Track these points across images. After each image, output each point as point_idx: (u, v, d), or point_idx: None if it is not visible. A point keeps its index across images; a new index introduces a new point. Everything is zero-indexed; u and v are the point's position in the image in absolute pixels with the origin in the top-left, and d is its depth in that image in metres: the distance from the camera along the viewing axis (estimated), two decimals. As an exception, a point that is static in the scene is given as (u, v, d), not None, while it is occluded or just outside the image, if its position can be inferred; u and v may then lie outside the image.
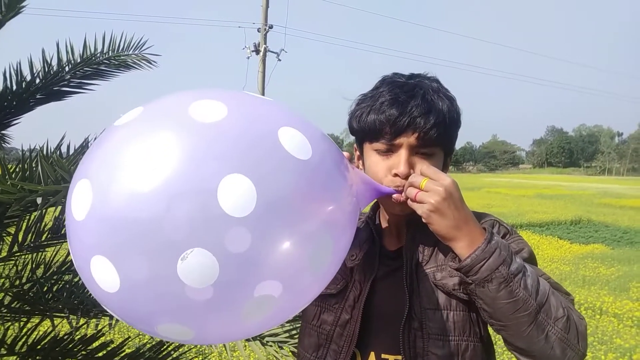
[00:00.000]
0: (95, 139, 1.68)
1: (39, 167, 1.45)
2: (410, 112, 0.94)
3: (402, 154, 0.96)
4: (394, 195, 0.95)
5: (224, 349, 4.14)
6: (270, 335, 1.92)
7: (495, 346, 1.08)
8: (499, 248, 0.86)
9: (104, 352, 1.86)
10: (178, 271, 0.62)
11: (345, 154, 0.88)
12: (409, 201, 0.91)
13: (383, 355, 1.00)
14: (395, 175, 0.96)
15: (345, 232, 0.80)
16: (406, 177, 0.94)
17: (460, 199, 0.89)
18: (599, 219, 15.01)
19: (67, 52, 2.23)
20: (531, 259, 0.98)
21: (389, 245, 1.09)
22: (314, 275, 0.74)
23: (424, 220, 0.89)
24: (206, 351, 4.06)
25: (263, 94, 18.24)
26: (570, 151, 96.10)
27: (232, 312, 0.68)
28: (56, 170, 1.35)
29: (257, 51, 18.80)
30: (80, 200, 0.68)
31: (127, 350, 1.91)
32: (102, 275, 0.67)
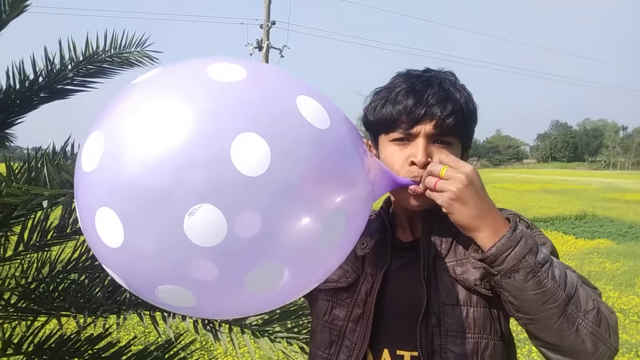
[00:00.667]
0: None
1: (45, 169, 1.44)
2: (427, 101, 0.93)
3: (420, 142, 0.94)
4: (411, 187, 0.92)
5: (230, 344, 4.16)
6: (278, 332, 1.91)
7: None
8: (525, 237, 0.83)
9: (111, 351, 1.86)
10: (184, 226, 0.60)
11: (364, 140, 0.86)
12: (427, 191, 0.88)
13: (398, 352, 0.96)
14: (412, 164, 0.93)
15: (359, 215, 0.78)
16: (424, 166, 0.92)
17: (482, 187, 0.86)
18: (604, 214, 14.93)
19: (69, 50, 2.22)
20: (554, 254, 0.94)
21: (402, 236, 1.06)
22: (323, 252, 0.72)
23: (444, 209, 0.86)
24: (211, 347, 4.07)
25: (266, 90, 18.20)
26: (574, 145, 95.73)
27: (237, 279, 0.66)
28: (62, 173, 1.34)
29: (259, 47, 18.77)
30: (92, 151, 0.66)
31: (134, 350, 1.91)
32: (106, 229, 0.65)
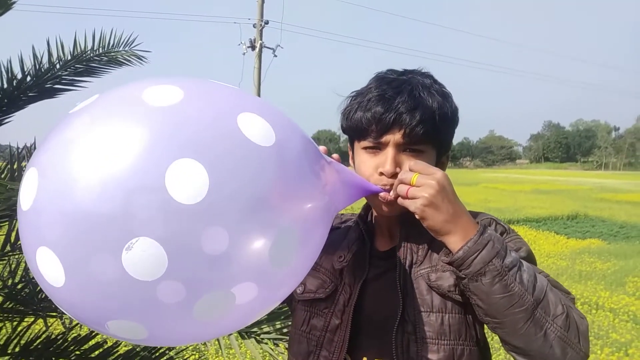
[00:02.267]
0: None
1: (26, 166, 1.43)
2: (396, 109, 0.92)
3: (389, 152, 0.94)
4: (381, 194, 0.93)
5: (219, 347, 4.14)
6: (266, 333, 1.91)
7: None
8: (492, 240, 0.83)
9: (98, 352, 1.85)
10: (123, 262, 0.58)
11: (322, 148, 0.86)
12: (399, 199, 0.88)
13: None
14: (381, 174, 0.94)
15: (314, 230, 0.76)
16: (392, 176, 0.92)
17: (453, 192, 0.86)
18: (595, 214, 15.04)
19: (57, 49, 2.21)
20: (529, 258, 0.94)
21: (379, 245, 1.06)
22: (278, 272, 0.70)
23: (417, 216, 0.86)
24: (202, 348, 4.05)
25: (259, 89, 18.20)
26: (567, 146, 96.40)
27: (184, 309, 0.63)
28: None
29: (252, 47, 18.72)
30: (27, 189, 0.65)
31: (122, 350, 1.90)
32: (47, 268, 0.63)
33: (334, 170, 0.84)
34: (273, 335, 1.90)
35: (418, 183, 0.85)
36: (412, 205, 0.85)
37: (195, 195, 0.59)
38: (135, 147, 0.60)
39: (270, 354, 1.88)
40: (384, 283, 0.99)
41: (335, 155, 0.88)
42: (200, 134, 0.63)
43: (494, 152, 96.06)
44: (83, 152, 0.61)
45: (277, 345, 1.87)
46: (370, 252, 1.04)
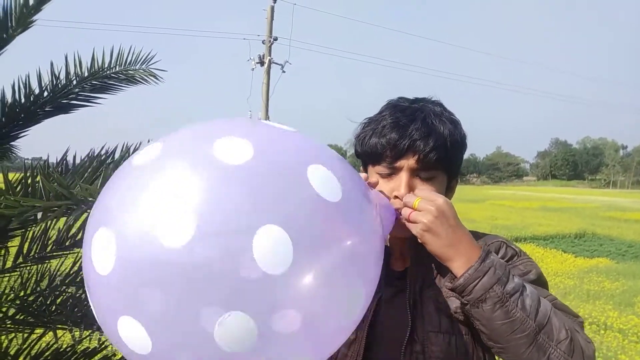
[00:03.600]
0: (103, 154, 1.69)
1: (41, 184, 1.47)
2: (411, 135, 0.96)
3: (403, 176, 0.98)
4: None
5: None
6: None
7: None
8: (494, 267, 0.85)
9: (107, 364, 1.87)
10: (215, 337, 0.58)
11: (363, 175, 0.89)
12: (405, 222, 0.92)
13: None
14: (396, 197, 0.97)
15: (375, 278, 0.76)
16: (403, 198, 0.95)
17: (455, 218, 0.88)
18: (603, 232, 14.91)
19: (75, 65, 2.26)
20: (538, 281, 0.96)
21: (395, 265, 1.09)
22: (345, 322, 0.70)
23: (419, 240, 0.89)
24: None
25: (267, 105, 18.34)
26: (574, 164, 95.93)
27: None
28: (55, 185, 1.37)
29: (261, 63, 18.94)
30: (103, 252, 0.62)
31: (129, 363, 1.91)
32: (131, 337, 0.61)
33: (375, 194, 0.85)
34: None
35: (419, 207, 0.88)
36: (413, 229, 0.89)
37: (282, 263, 0.58)
38: (218, 213, 0.58)
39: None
40: (396, 302, 1.02)
41: (363, 175, 0.90)
42: (278, 198, 0.61)
43: (500, 169, 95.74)
44: (166, 216, 0.58)
45: None
46: (386, 271, 1.05)
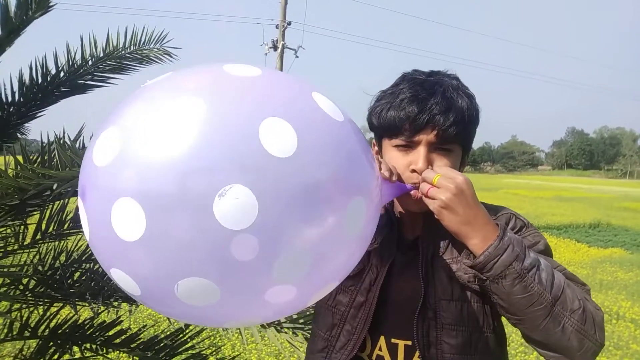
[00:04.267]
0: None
1: (57, 155, 1.50)
2: (430, 110, 0.95)
3: (421, 150, 0.97)
4: (412, 192, 0.96)
5: (237, 341, 4.20)
6: (286, 322, 1.95)
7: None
8: (512, 244, 0.87)
9: (122, 338, 1.92)
10: (214, 208, 0.59)
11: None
12: (423, 197, 0.92)
13: (393, 340, 1.02)
14: (413, 171, 0.97)
15: (374, 214, 0.79)
16: (422, 173, 0.95)
17: (473, 197, 0.89)
18: (618, 223, 14.71)
19: (90, 46, 2.29)
20: (546, 252, 0.99)
21: (407, 234, 1.10)
22: (349, 239, 0.73)
23: (435, 216, 0.91)
24: (219, 343, 4.12)
25: (280, 90, 18.29)
26: (590, 153, 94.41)
27: (263, 266, 0.64)
28: (72, 157, 1.40)
29: (275, 48, 18.88)
30: (106, 146, 0.66)
31: (145, 337, 1.96)
32: (124, 220, 0.62)
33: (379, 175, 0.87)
34: (291, 325, 1.94)
35: (438, 184, 0.89)
36: (431, 205, 0.90)
37: (286, 149, 0.62)
38: (228, 106, 0.64)
39: (289, 342, 1.92)
40: (408, 269, 1.03)
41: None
42: (285, 100, 0.68)
43: (515, 158, 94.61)
44: (174, 110, 0.63)
45: (295, 334, 1.91)
46: (398, 239, 1.08)
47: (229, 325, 0.83)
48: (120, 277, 0.69)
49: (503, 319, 1.01)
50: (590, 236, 12.56)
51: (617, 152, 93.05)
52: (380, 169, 0.86)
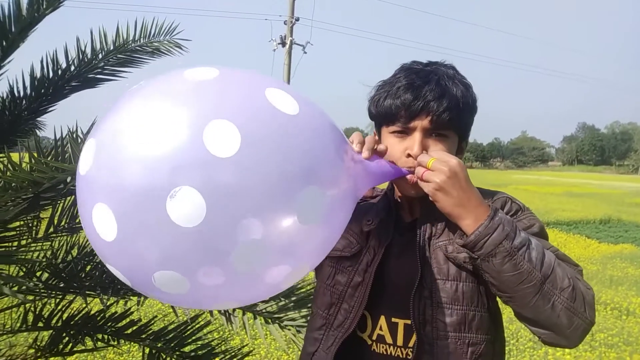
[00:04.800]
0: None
1: (70, 149, 1.52)
2: (425, 97, 0.99)
3: (416, 136, 1.01)
4: (408, 176, 1.00)
5: (245, 335, 4.23)
6: (290, 320, 1.97)
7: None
8: (502, 224, 0.91)
9: (132, 329, 1.95)
10: (167, 209, 0.65)
11: (361, 137, 0.93)
12: (417, 180, 0.96)
13: (393, 319, 1.05)
14: (409, 156, 1.00)
15: (340, 198, 0.82)
16: (417, 158, 0.98)
17: (466, 179, 0.93)
18: (629, 219, 14.55)
19: (100, 39, 2.31)
20: (541, 234, 1.02)
21: (405, 217, 1.13)
22: (301, 231, 0.75)
23: (430, 198, 0.94)
24: (227, 336, 4.15)
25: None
26: (602, 149, 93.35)
27: (223, 258, 0.70)
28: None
29: (283, 43, 18.86)
30: (86, 156, 0.74)
31: (154, 328, 1.99)
32: (101, 224, 0.71)
33: (358, 158, 0.90)
34: (295, 322, 1.96)
35: (432, 167, 0.93)
36: (426, 188, 0.94)
37: (229, 149, 0.67)
38: (175, 111, 0.69)
39: (293, 340, 1.94)
40: (406, 251, 1.06)
41: (363, 137, 0.94)
42: (232, 100, 0.72)
43: (525, 154, 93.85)
44: (131, 122, 0.71)
45: (299, 332, 1.93)
46: (395, 221, 1.11)
47: (212, 308, 0.93)
48: (113, 270, 0.79)
49: (498, 299, 1.04)
50: (600, 232, 12.46)
51: (629, 148, 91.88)
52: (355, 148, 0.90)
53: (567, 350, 4.39)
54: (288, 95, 0.78)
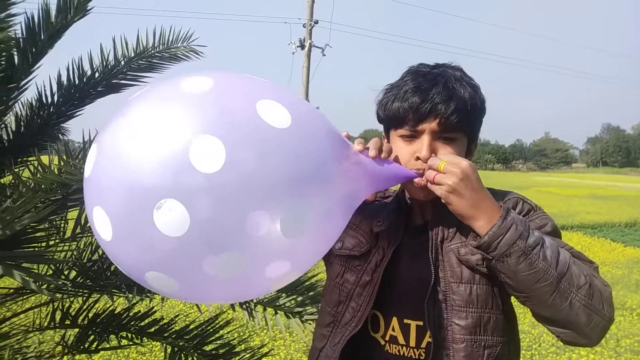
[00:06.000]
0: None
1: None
2: (432, 99, 1.00)
3: (425, 139, 1.01)
4: (416, 180, 1.00)
5: (266, 337, 4.27)
6: (309, 314, 2.00)
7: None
8: (515, 223, 0.91)
9: (155, 328, 2.00)
10: (154, 218, 0.69)
11: (344, 133, 0.94)
12: (428, 184, 0.96)
13: (405, 321, 1.05)
14: (418, 159, 1.01)
15: (331, 213, 0.83)
16: (428, 161, 0.99)
17: (477, 180, 0.94)
18: (657, 222, 14.17)
19: (122, 47, 2.39)
20: (554, 233, 1.02)
21: (416, 219, 1.13)
22: (285, 241, 0.76)
23: (443, 200, 0.95)
24: (247, 336, 4.20)
25: (307, 88, 18.38)
26: (627, 150, 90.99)
27: (207, 265, 0.73)
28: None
29: (302, 46, 18.95)
30: (89, 160, 0.79)
31: (177, 327, 2.03)
32: (100, 225, 0.76)
33: (359, 160, 0.91)
34: (313, 316, 1.98)
35: (444, 170, 0.93)
36: (438, 191, 0.95)
37: (213, 165, 0.69)
38: (165, 125, 0.72)
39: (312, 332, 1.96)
40: (417, 253, 1.07)
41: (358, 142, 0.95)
42: (223, 115, 0.74)
43: (548, 155, 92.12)
44: (127, 132, 0.75)
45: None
46: (406, 223, 1.12)
47: (205, 302, 0.98)
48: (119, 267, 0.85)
49: (513, 300, 1.04)
50: (626, 235, 12.15)
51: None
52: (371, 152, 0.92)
53: (592, 356, 4.31)
54: (281, 106, 0.78)
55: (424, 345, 1.03)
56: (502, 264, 0.91)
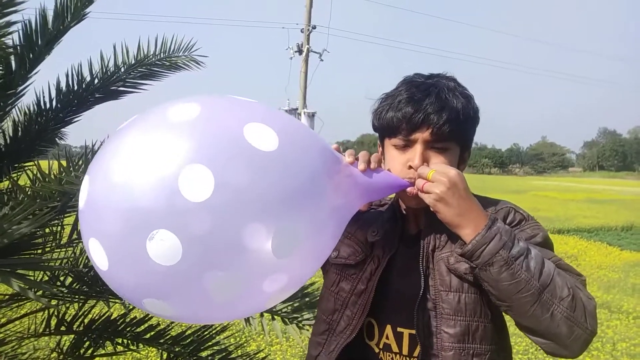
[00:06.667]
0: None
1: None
2: (425, 109, 1.02)
3: (417, 148, 1.03)
4: (408, 189, 1.02)
5: (262, 342, 4.27)
6: (306, 320, 2.00)
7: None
8: (500, 233, 0.93)
9: (151, 334, 2.00)
10: (147, 249, 0.71)
11: (334, 146, 0.97)
12: (418, 192, 0.98)
13: (399, 329, 1.07)
14: (410, 167, 1.03)
15: (321, 225, 0.85)
16: (418, 170, 1.01)
17: (465, 189, 0.96)
18: (653, 226, 14.19)
19: (122, 54, 2.39)
20: (545, 243, 1.03)
21: (410, 229, 1.15)
22: (278, 261, 0.78)
23: (431, 209, 0.97)
24: (243, 342, 4.19)
25: (305, 93, 18.40)
26: (624, 154, 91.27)
27: (201, 292, 0.75)
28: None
29: (300, 51, 18.98)
30: (83, 192, 0.81)
31: (173, 333, 2.03)
32: (96, 255, 0.79)
33: (351, 172, 0.93)
34: (311, 322, 1.98)
35: (433, 179, 0.96)
36: (426, 199, 0.97)
37: (202, 193, 0.71)
38: (154, 158, 0.73)
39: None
40: (410, 262, 1.08)
41: (349, 153, 0.97)
42: (208, 143, 0.75)
43: (545, 160, 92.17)
44: (117, 164, 0.76)
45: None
46: (401, 232, 1.13)
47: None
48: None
49: None
50: (622, 239, 12.17)
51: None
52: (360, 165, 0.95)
53: (587, 360, 4.32)
54: (268, 128, 0.80)
55: (416, 354, 1.04)
56: (485, 272, 0.93)
